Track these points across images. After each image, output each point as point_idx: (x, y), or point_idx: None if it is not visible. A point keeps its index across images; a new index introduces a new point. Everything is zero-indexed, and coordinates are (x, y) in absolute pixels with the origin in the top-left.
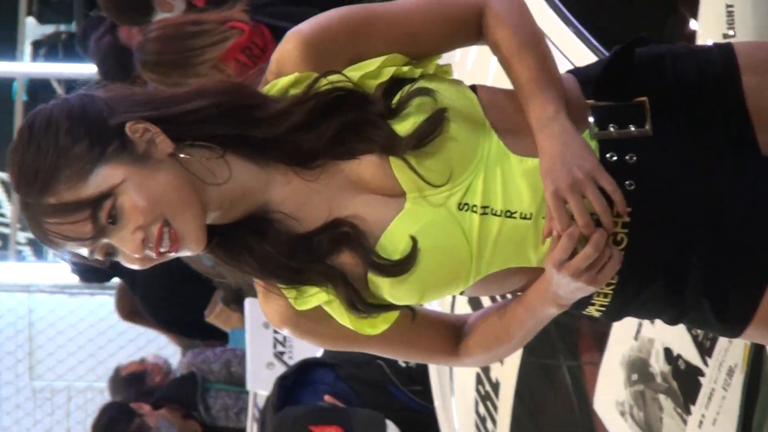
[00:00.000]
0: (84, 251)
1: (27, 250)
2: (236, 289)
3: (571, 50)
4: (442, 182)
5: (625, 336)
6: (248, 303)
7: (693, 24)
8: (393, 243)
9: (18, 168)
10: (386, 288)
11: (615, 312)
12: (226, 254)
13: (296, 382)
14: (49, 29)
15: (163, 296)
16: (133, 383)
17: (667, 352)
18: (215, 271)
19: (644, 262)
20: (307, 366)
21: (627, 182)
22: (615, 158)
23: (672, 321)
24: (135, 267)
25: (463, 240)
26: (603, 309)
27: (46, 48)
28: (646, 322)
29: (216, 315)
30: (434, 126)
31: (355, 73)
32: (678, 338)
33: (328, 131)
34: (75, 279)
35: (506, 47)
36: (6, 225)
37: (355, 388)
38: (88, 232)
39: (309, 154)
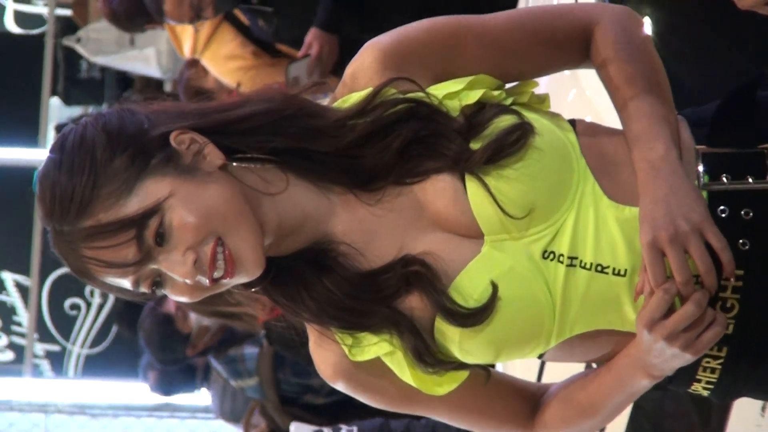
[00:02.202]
0: (127, 283)
1: (44, 364)
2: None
3: None
4: (519, 215)
5: None
6: (294, 427)
7: None
8: (469, 288)
9: (50, 193)
10: (456, 339)
11: (726, 391)
12: (282, 293)
13: None
14: (76, 111)
15: None
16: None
17: None
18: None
19: (759, 333)
20: None
21: (741, 241)
22: (727, 213)
23: None
24: (184, 299)
25: (546, 293)
26: (711, 387)
27: None
28: None
29: None
30: (514, 137)
31: (437, 92)
32: None
33: (394, 144)
34: (96, 398)
35: (616, 74)
36: (21, 335)
37: None
38: (133, 257)
39: (371, 171)
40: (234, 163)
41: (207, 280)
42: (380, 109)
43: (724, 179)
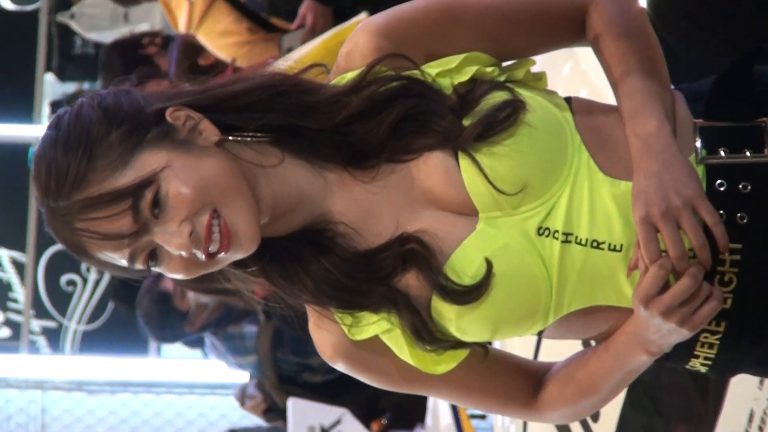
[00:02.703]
0: (122, 260)
1: (41, 341)
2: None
3: None
4: (511, 191)
5: None
6: (291, 403)
7: None
8: (463, 265)
9: (45, 170)
10: (452, 317)
11: (725, 367)
12: (279, 274)
13: None
14: (70, 88)
15: None
16: None
17: None
18: None
19: (758, 307)
20: None
21: (739, 215)
22: (725, 187)
23: None
24: (179, 276)
25: (542, 269)
26: (709, 363)
27: None
28: None
29: (253, 406)
30: (505, 114)
31: (431, 69)
32: None
33: (386, 121)
34: (94, 375)
35: (609, 50)
36: (18, 312)
37: None
38: (128, 228)
39: (364, 148)
40: (230, 138)
41: (203, 254)
42: (374, 86)
43: (722, 153)
